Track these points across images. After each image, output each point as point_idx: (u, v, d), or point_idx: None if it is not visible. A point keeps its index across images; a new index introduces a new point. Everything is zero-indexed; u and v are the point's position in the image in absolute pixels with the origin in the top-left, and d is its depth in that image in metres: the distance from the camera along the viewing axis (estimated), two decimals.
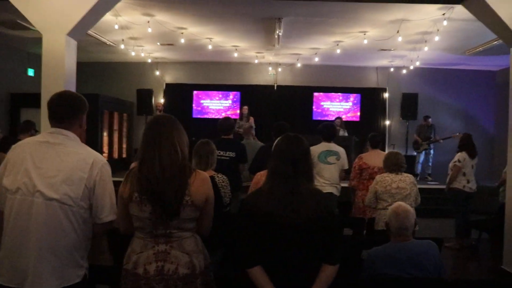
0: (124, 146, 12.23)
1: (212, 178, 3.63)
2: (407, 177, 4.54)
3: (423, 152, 10.99)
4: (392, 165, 4.55)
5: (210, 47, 9.82)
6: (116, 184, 2.28)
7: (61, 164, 2.21)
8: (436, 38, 8.23)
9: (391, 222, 3.02)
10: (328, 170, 5.35)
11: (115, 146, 11.70)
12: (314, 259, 2.23)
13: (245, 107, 10.77)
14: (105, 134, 10.99)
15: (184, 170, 2.23)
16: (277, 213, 2.17)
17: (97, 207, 2.26)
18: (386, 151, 10.08)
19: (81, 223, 2.23)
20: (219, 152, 4.69)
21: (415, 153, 11.14)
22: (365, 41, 8.82)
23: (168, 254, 2.20)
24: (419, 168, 10.99)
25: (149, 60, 11.81)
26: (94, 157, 2.28)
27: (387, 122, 12.63)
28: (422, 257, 2.91)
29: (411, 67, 11.24)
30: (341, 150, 5.49)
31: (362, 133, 12.05)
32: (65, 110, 2.30)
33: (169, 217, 2.19)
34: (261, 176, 3.74)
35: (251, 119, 10.60)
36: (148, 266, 2.18)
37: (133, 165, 2.31)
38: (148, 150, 2.23)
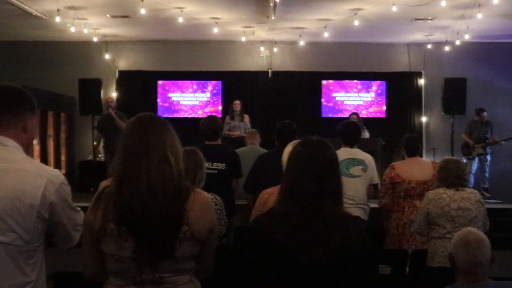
0: (63, 158, 12.17)
1: None
2: (471, 194, 4.54)
3: (476, 159, 11.06)
4: (452, 177, 4.53)
5: (181, 19, 9.81)
6: None
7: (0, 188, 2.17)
8: (495, 1, 8.27)
9: (459, 255, 3.00)
10: (352, 185, 5.36)
11: (50, 158, 11.62)
12: None
13: (238, 102, 10.79)
14: (35, 141, 10.86)
15: (181, 191, 2.22)
16: (294, 245, 2.18)
17: (56, 236, 2.29)
18: (424, 158, 10.10)
19: (35, 263, 2.21)
20: None
21: (464, 160, 11.19)
22: (394, 8, 8.86)
23: None
24: (471, 180, 11.03)
25: (96, 39, 11.71)
26: (47, 175, 2.25)
27: (424, 119, 12.73)
28: None
29: (458, 42, 11.31)
30: (368, 158, 5.53)
31: (390, 134, 12.18)
32: (1, 106, 2.28)
33: (159, 257, 2.17)
34: (269, 195, 3.78)
35: (246, 118, 10.66)
36: None
37: (104, 183, 2.27)
38: (129, 163, 2.21)
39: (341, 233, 2.20)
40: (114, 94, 12.41)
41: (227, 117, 10.72)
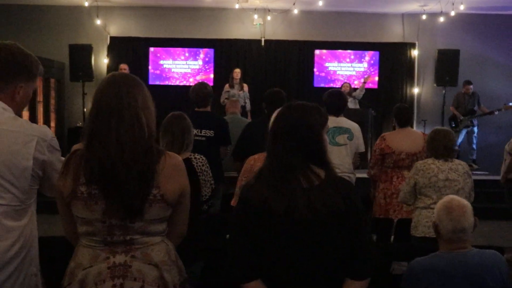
0: (53, 124, 12.10)
1: (188, 160, 3.68)
2: (460, 165, 4.56)
3: (463, 131, 11.12)
4: (441, 148, 4.54)
5: None
6: None
7: None
8: None
9: (442, 222, 3.02)
10: (337, 153, 5.39)
11: (40, 124, 11.48)
12: (335, 271, 2.26)
13: (238, 70, 10.80)
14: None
15: (151, 153, 2.20)
16: (280, 208, 2.20)
17: (45, 187, 2.42)
18: (415, 129, 10.14)
19: (29, 217, 2.34)
20: None
21: None
22: None
23: (129, 267, 2.19)
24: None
25: (86, 4, 11.67)
26: (37, 132, 2.32)
27: (416, 90, 12.75)
28: (485, 273, 2.92)
29: (452, 13, 11.30)
30: (354, 126, 5.54)
31: (382, 105, 12.21)
32: None
33: (130, 217, 2.18)
34: (255, 161, 3.82)
35: (246, 87, 10.68)
36: (101, 285, 2.17)
37: (76, 147, 2.28)
38: (100, 120, 2.18)
39: (331, 195, 2.22)
40: (105, 61, 12.36)
41: (227, 85, 10.70)
